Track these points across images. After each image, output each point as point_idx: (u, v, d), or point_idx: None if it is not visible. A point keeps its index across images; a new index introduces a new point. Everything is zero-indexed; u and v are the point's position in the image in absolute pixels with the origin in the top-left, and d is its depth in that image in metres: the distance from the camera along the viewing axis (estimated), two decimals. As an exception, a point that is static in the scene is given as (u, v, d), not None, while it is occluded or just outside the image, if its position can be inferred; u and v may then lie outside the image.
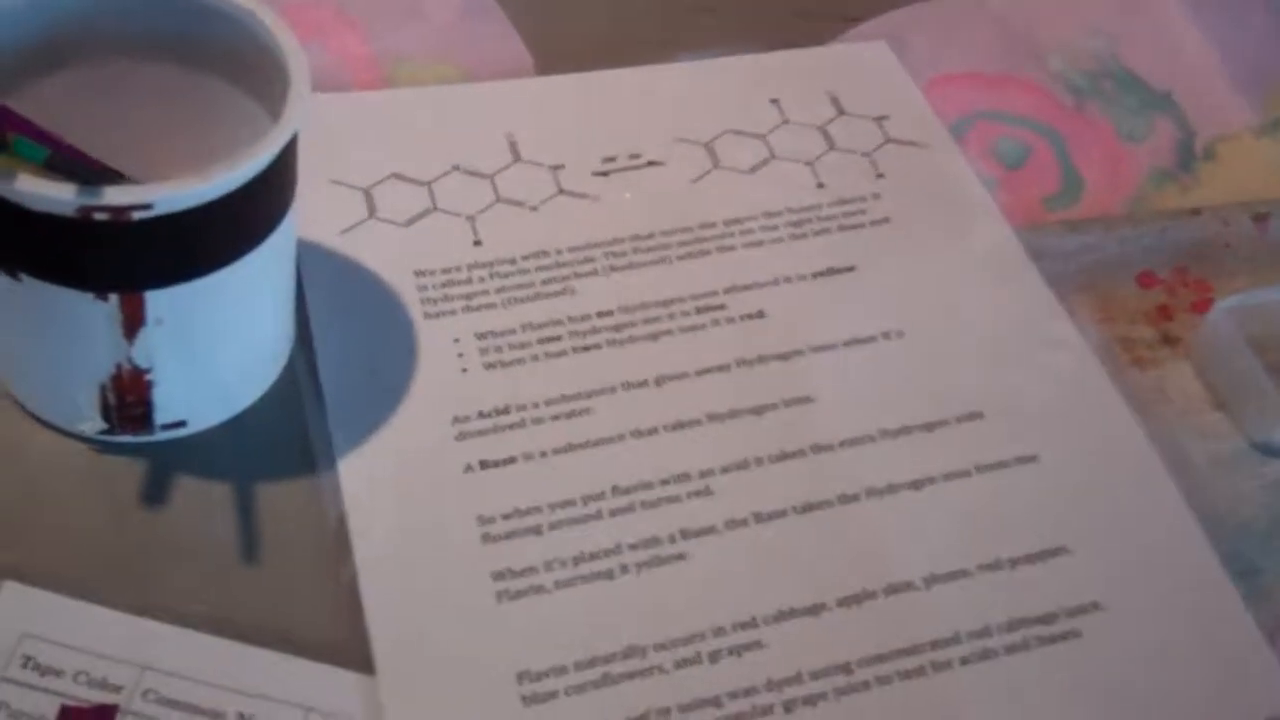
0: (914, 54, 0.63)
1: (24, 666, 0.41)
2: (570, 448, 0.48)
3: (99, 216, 0.39)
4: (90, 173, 0.39)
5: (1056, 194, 0.60)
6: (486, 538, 0.45)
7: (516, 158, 0.56)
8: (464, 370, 0.49)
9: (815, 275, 0.54)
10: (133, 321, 0.42)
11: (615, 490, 0.47)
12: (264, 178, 0.41)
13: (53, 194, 0.38)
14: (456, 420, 0.48)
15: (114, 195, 0.38)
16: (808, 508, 0.47)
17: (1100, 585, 0.46)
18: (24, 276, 0.41)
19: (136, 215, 0.39)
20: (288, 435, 0.47)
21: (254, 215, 0.42)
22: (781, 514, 0.47)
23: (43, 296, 0.41)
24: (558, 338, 0.50)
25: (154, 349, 0.43)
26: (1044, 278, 0.55)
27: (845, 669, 0.43)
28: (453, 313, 0.51)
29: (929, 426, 0.49)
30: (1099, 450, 0.50)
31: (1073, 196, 0.60)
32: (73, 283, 0.41)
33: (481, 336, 0.50)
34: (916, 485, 0.48)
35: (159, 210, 0.39)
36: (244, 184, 0.40)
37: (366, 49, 0.60)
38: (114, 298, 0.41)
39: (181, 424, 0.46)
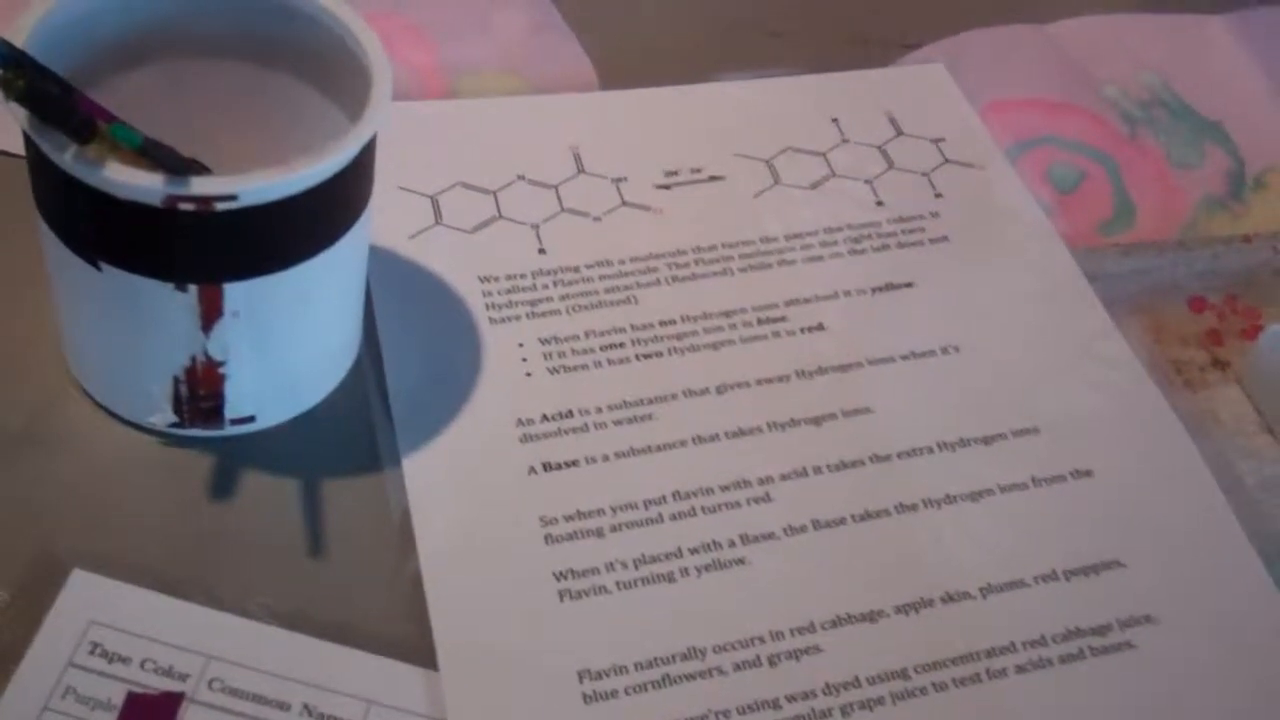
0: (970, 78, 0.64)
1: (91, 653, 0.41)
2: (632, 452, 0.48)
3: (184, 207, 0.39)
4: (178, 163, 0.40)
5: (1110, 219, 0.60)
6: (549, 538, 0.46)
7: (580, 169, 0.57)
8: (528, 374, 0.50)
9: (874, 290, 0.54)
10: (210, 313, 0.42)
11: (676, 495, 0.47)
12: (345, 175, 0.42)
13: (142, 183, 0.39)
14: (520, 423, 0.48)
15: (201, 186, 0.39)
16: (866, 516, 0.47)
17: (1153, 599, 0.46)
18: (105, 266, 0.42)
19: (221, 206, 0.40)
20: (354, 434, 0.48)
21: (333, 212, 0.43)
22: (840, 522, 0.47)
23: (123, 286, 0.42)
24: (620, 345, 0.51)
25: (229, 342, 0.44)
26: (1099, 299, 0.55)
27: (902, 675, 0.44)
28: (517, 318, 0.51)
29: (986, 440, 0.50)
30: (1152, 467, 0.50)
31: (1126, 222, 0.60)
32: (154, 273, 0.41)
33: (545, 341, 0.51)
34: (974, 497, 0.48)
35: (243, 202, 0.40)
36: (326, 180, 0.41)
37: (434, 60, 0.61)
38: (193, 289, 0.42)
39: (250, 419, 0.47)
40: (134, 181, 0.39)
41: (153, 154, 0.38)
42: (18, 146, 0.43)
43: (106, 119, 0.39)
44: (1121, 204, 0.61)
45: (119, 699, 0.41)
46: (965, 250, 0.56)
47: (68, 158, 0.39)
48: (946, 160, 0.59)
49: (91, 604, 0.42)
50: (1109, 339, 0.54)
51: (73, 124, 0.38)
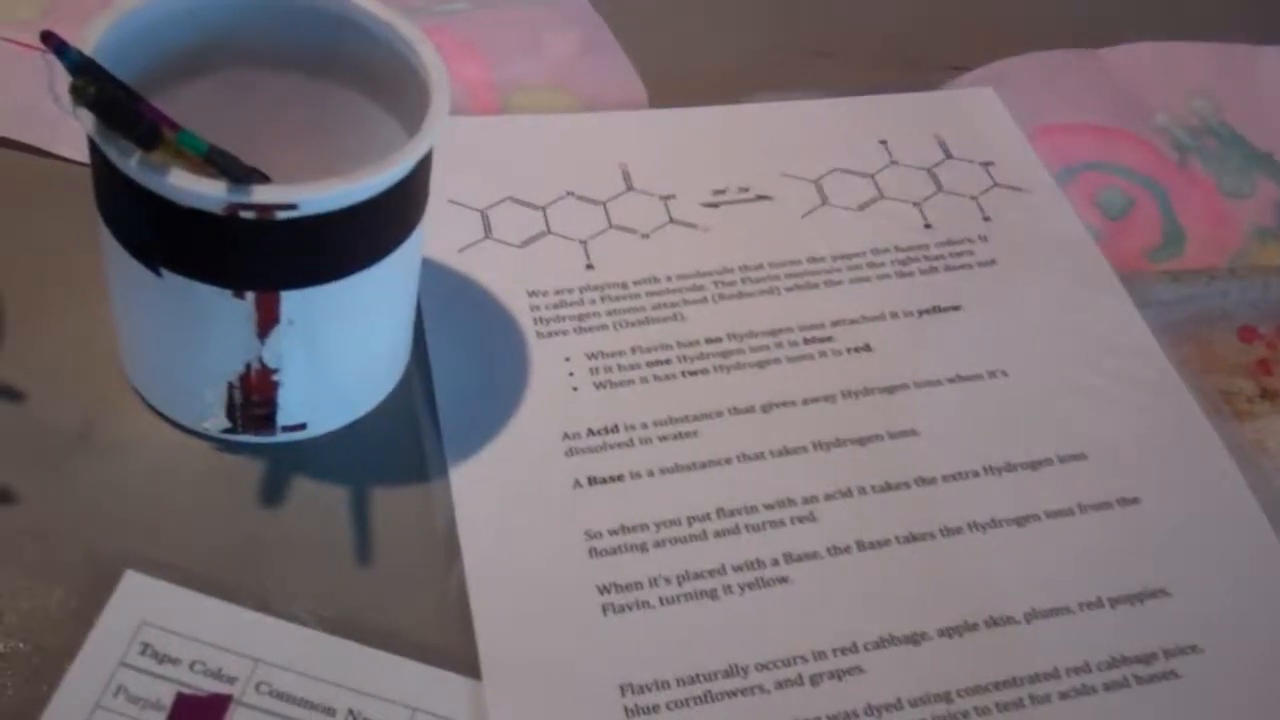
0: (1019, 102, 0.64)
1: (142, 653, 0.42)
2: (677, 468, 0.48)
3: (245, 215, 0.40)
4: (240, 171, 0.40)
5: (1158, 246, 0.60)
6: (593, 552, 0.46)
7: (629, 186, 0.57)
8: (574, 389, 0.50)
9: (921, 313, 0.54)
10: (266, 320, 0.43)
11: (720, 512, 0.47)
12: (403, 186, 0.42)
13: (205, 190, 0.39)
14: (566, 437, 0.49)
15: (262, 194, 0.40)
16: (911, 538, 0.47)
17: (1200, 628, 0.46)
18: (165, 272, 0.42)
19: (281, 215, 0.40)
20: (402, 444, 0.48)
21: (390, 223, 0.43)
22: (885, 543, 0.47)
23: (182, 292, 0.42)
24: (667, 361, 0.51)
25: (284, 349, 0.44)
26: (1148, 326, 0.55)
27: (945, 698, 0.44)
28: (564, 333, 0.52)
29: (1033, 465, 0.50)
30: (1200, 495, 0.50)
31: (1175, 249, 0.60)
32: (213, 279, 0.42)
33: (592, 356, 0.51)
34: (1020, 521, 0.48)
35: (303, 211, 0.40)
36: (385, 191, 0.42)
37: (486, 76, 0.61)
38: (251, 296, 0.42)
39: (302, 427, 0.47)
40: (197, 188, 0.40)
41: (217, 161, 0.39)
42: (80, 154, 0.43)
43: (171, 127, 0.39)
44: (1171, 231, 0.61)
45: (168, 699, 0.41)
46: (1013, 274, 0.56)
47: (133, 164, 0.40)
48: (995, 184, 0.60)
49: (143, 605, 0.43)
50: (1157, 366, 0.54)
51: (138, 131, 0.39)
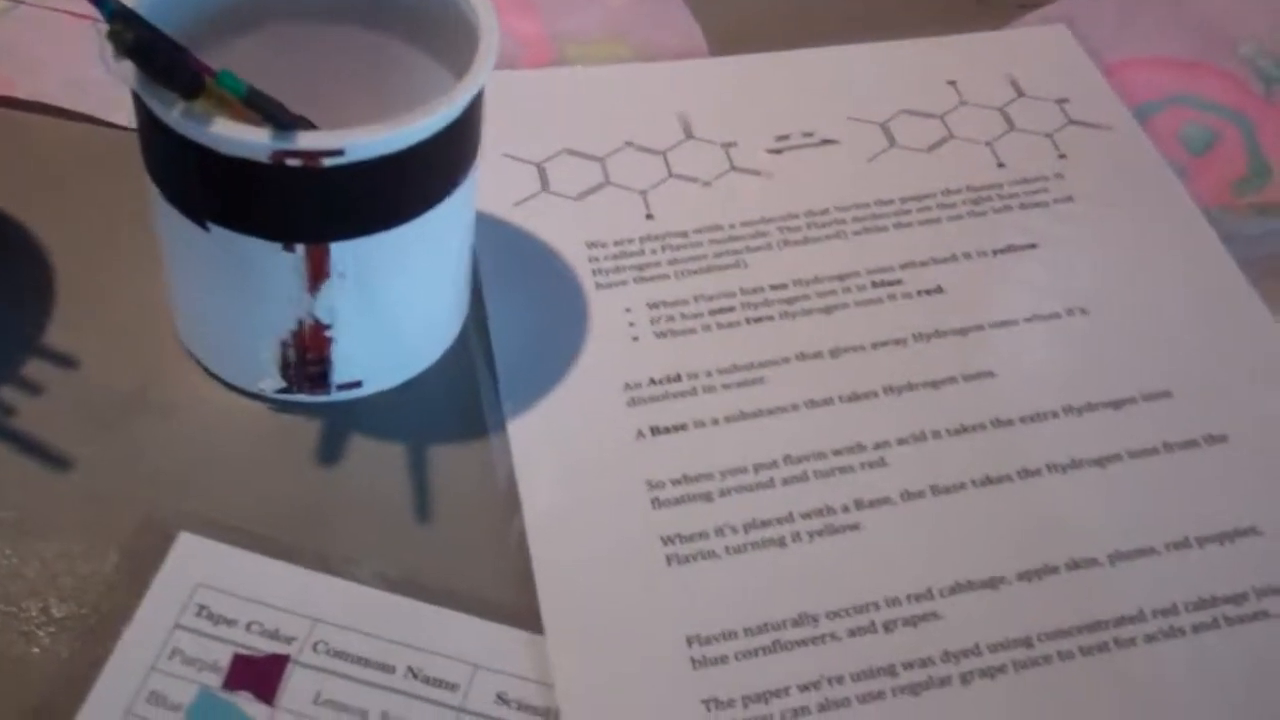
0: (1095, 37, 0.62)
1: (198, 615, 0.41)
2: (742, 416, 0.47)
3: (291, 163, 0.39)
4: (285, 117, 0.39)
5: (1243, 179, 0.57)
6: (656, 502, 0.45)
7: (689, 135, 0.56)
8: (635, 339, 0.49)
9: (996, 252, 0.52)
10: (317, 273, 0.42)
11: (788, 459, 0.46)
12: (451, 131, 0.41)
13: (248, 138, 0.39)
14: (628, 387, 0.47)
15: (307, 140, 0.39)
16: (987, 481, 0.46)
17: (1294, 567, 0.44)
18: (212, 226, 0.42)
19: (327, 162, 0.39)
20: (460, 401, 0.47)
21: (439, 170, 0.42)
22: (960, 487, 0.45)
23: (230, 246, 0.42)
24: (730, 309, 0.50)
25: (336, 304, 0.43)
26: (1234, 261, 0.53)
27: (1025, 643, 0.42)
28: (624, 283, 0.50)
29: (1115, 404, 0.48)
30: (1291, 432, 0.48)
31: (1260, 182, 0.57)
32: (260, 231, 0.41)
33: (653, 306, 0.50)
34: (1101, 462, 0.46)
35: (350, 157, 0.39)
36: (432, 135, 0.41)
37: (540, 29, 0.60)
38: (300, 248, 0.42)
39: (357, 384, 0.46)
40: (241, 136, 0.39)
41: (258, 104, 0.38)
42: (132, 121, 0.43)
43: (210, 72, 0.39)
44: (1256, 164, 0.58)
45: (225, 660, 0.40)
46: (1092, 211, 0.54)
47: (175, 114, 0.39)
48: (1071, 121, 0.57)
49: (199, 567, 0.42)
50: (1246, 301, 0.51)
51: (180, 78, 0.38)
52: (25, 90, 0.54)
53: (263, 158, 0.39)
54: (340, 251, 0.42)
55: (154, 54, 0.38)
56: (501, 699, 0.41)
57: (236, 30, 0.45)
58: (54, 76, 0.55)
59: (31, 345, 0.47)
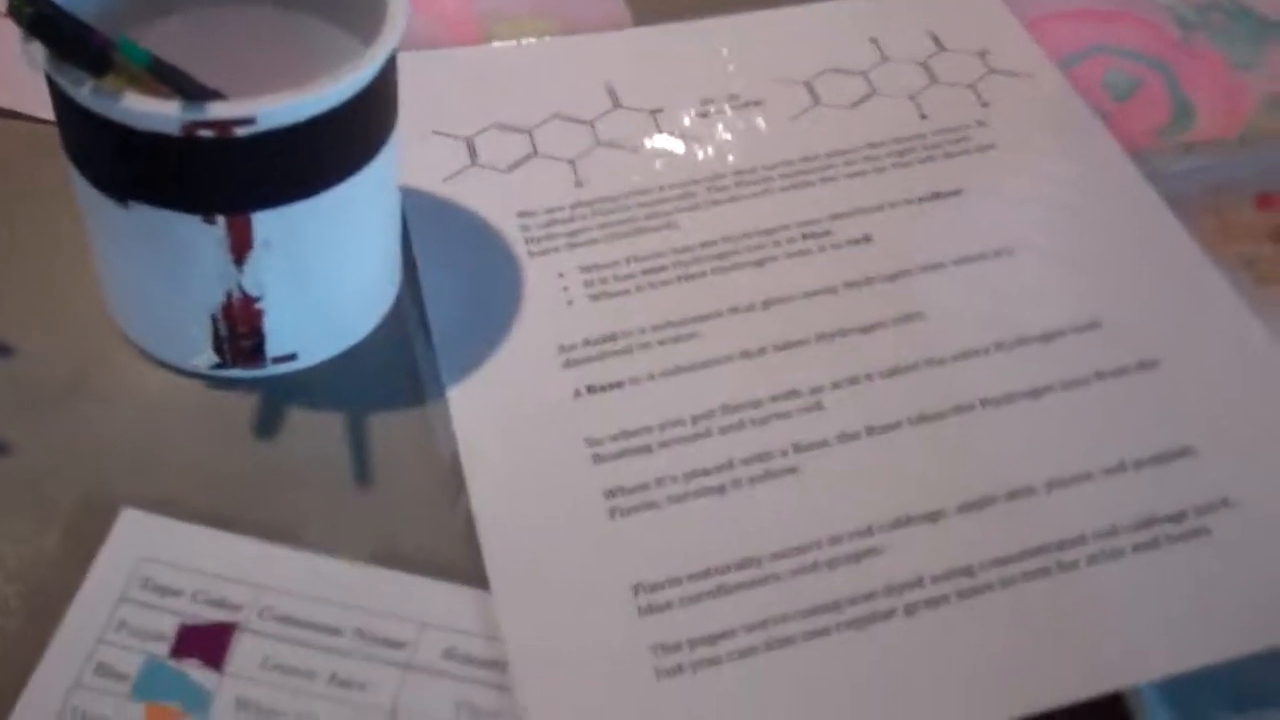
0: (1014, -5, 0.63)
1: (143, 587, 0.41)
2: (678, 370, 0.47)
3: (203, 134, 0.39)
4: (194, 89, 0.40)
5: (1167, 124, 0.58)
6: (597, 458, 0.45)
7: (616, 104, 0.56)
8: (569, 303, 0.49)
9: (921, 199, 0.53)
10: (240, 244, 0.42)
11: (725, 409, 0.46)
12: (364, 97, 0.41)
13: (158, 110, 0.39)
14: (563, 349, 0.48)
15: (217, 110, 0.39)
16: (922, 419, 0.46)
17: (1229, 483, 0.45)
18: (132, 203, 0.42)
19: (240, 131, 0.40)
20: (398, 370, 0.47)
21: (356, 136, 0.43)
22: (895, 426, 0.46)
23: (151, 222, 0.42)
24: (662, 268, 0.50)
25: (263, 275, 0.43)
26: (1161, 198, 0.54)
27: (967, 572, 0.42)
28: (556, 250, 0.51)
29: (1045, 337, 0.48)
30: (1221, 354, 0.49)
31: (1184, 126, 0.58)
32: (179, 205, 0.41)
33: (586, 270, 0.50)
34: (1035, 394, 0.47)
35: (262, 125, 0.40)
36: (344, 103, 0.41)
37: (467, 8, 0.60)
38: (221, 220, 0.42)
39: (292, 357, 0.46)
40: (151, 109, 0.39)
41: (164, 75, 0.38)
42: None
43: (113, 47, 0.39)
44: (1180, 107, 0.59)
45: (172, 630, 0.40)
46: (1014, 155, 0.55)
47: (85, 91, 0.39)
48: (991, 71, 0.58)
49: (142, 541, 0.42)
50: (1170, 233, 0.52)
51: (84, 53, 0.38)
52: (-52, 92, 0.54)
53: (174, 130, 0.39)
54: (262, 221, 0.42)
55: (55, 28, 0.38)
56: (449, 654, 0.41)
57: (153, 14, 0.45)
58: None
59: (-35, 338, 0.47)
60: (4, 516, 0.42)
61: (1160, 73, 0.60)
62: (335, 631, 0.41)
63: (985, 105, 0.57)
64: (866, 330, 0.49)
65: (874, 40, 0.59)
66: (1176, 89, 0.60)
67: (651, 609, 0.41)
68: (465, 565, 0.42)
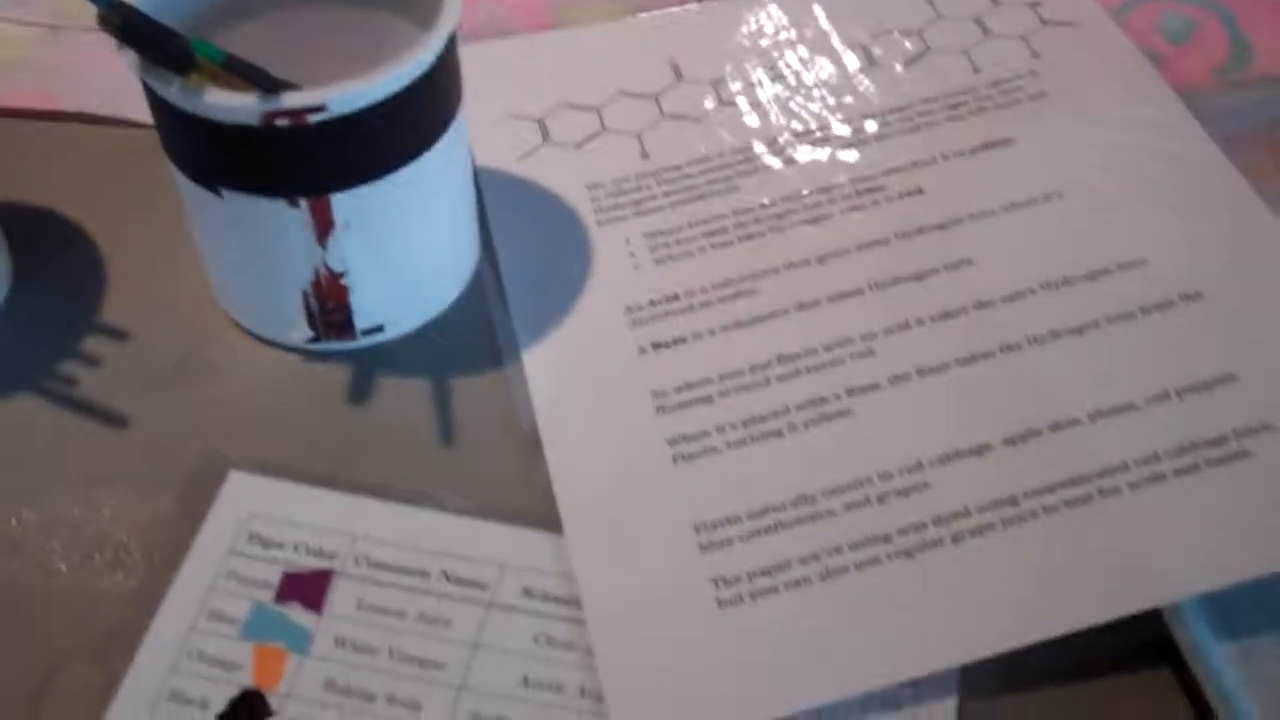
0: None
1: (250, 541, 0.46)
2: (737, 324, 0.50)
3: (280, 123, 0.43)
4: (269, 82, 0.43)
5: (1224, 63, 0.59)
6: (661, 409, 0.48)
7: (679, 78, 0.59)
8: (635, 267, 0.52)
9: (972, 150, 0.55)
10: (323, 225, 0.46)
11: (781, 359, 0.49)
12: (427, 79, 0.45)
13: (238, 104, 0.43)
14: (629, 310, 0.51)
15: (291, 100, 0.43)
16: (970, 359, 0.48)
17: (1270, 407, 0.46)
18: (225, 192, 0.46)
19: (313, 118, 0.43)
20: (478, 337, 0.51)
21: (422, 117, 0.46)
22: (945, 367, 0.48)
23: (242, 208, 0.46)
24: (723, 230, 0.53)
25: (346, 252, 0.47)
26: (1212, 136, 0.55)
27: (1012, 501, 0.44)
28: (624, 218, 0.54)
29: (1091, 276, 0.50)
30: (1265, 284, 0.50)
31: (1242, 64, 0.59)
32: (266, 191, 0.45)
33: (650, 235, 0.53)
34: (1079, 330, 0.49)
35: (333, 111, 0.43)
36: (409, 85, 0.44)
37: (536, -2, 0.64)
38: (303, 202, 0.46)
39: (379, 329, 0.50)
40: (232, 103, 0.43)
41: (239, 69, 0.42)
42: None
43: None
44: (1237, 46, 0.60)
45: (276, 578, 0.45)
46: (1065, 103, 0.56)
47: (174, 90, 0.43)
48: (1044, 22, 0.60)
49: (248, 500, 0.47)
50: (1221, 172, 0.53)
51: (169, 53, 0.42)
52: (69, 103, 0.59)
53: (254, 120, 0.43)
54: (341, 201, 0.46)
55: (141, 33, 0.42)
56: (528, 592, 0.44)
57: (237, 17, 0.49)
58: (93, 89, 0.60)
59: (88, 324, 0.52)
60: (127, 482, 0.47)
61: (1216, 13, 0.61)
62: (423, 574, 0.45)
63: (1037, 56, 0.58)
64: (918, 278, 0.51)
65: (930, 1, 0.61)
66: (1234, 27, 0.60)
67: (712, 545, 0.44)
68: (540, 512, 0.46)
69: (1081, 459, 0.45)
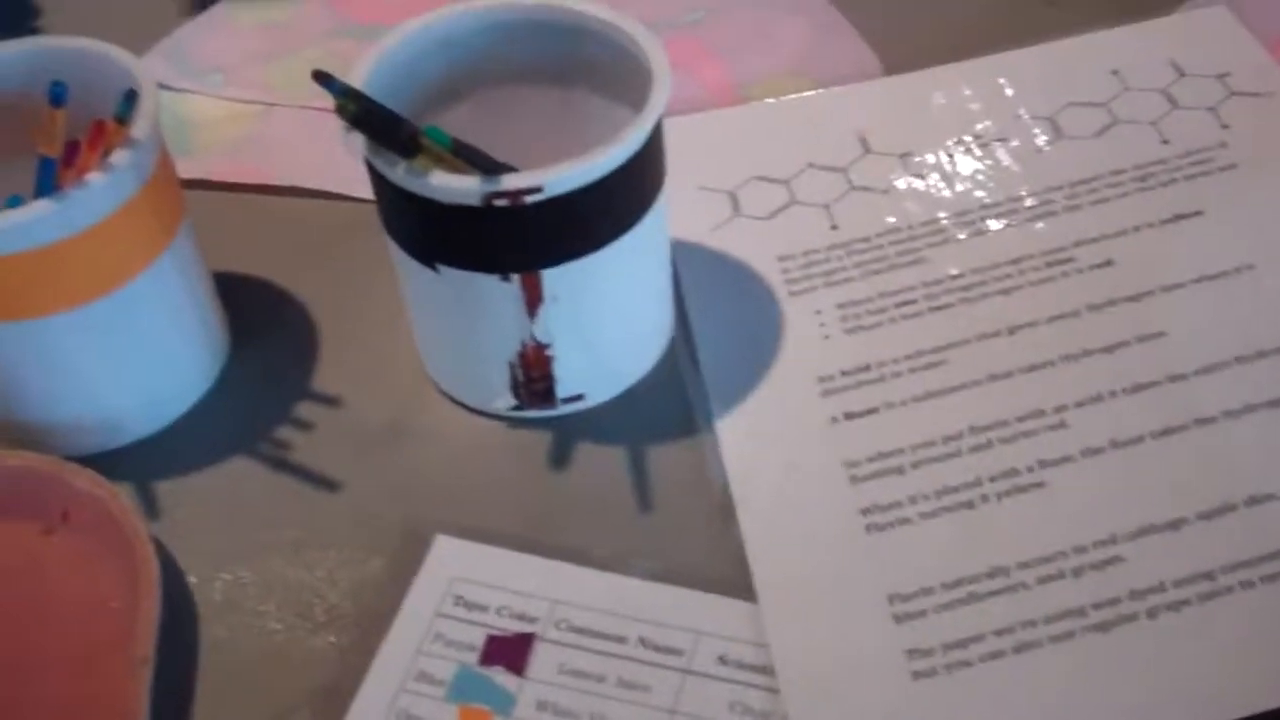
0: (1256, 15, 0.63)
1: (455, 604, 0.47)
2: (928, 395, 0.51)
3: (499, 203, 0.45)
4: (489, 164, 0.46)
5: None
6: (853, 479, 0.49)
7: (867, 150, 0.60)
8: (826, 337, 0.53)
9: (1163, 222, 0.55)
10: (533, 299, 0.48)
11: (973, 429, 0.50)
12: (636, 161, 0.47)
13: (461, 185, 0.45)
14: (821, 380, 0.52)
15: (510, 182, 0.45)
16: (1165, 432, 0.48)
17: None
18: (441, 267, 0.48)
19: (530, 199, 0.45)
20: (673, 406, 0.52)
21: (630, 196, 0.48)
22: (1138, 440, 0.48)
23: (458, 284, 0.48)
24: (913, 301, 0.54)
25: (552, 325, 0.49)
26: None
27: (1208, 576, 0.45)
28: (814, 289, 0.55)
29: (1285, 350, 0.50)
30: None
31: None
32: (481, 267, 0.48)
33: (841, 306, 0.54)
34: (1275, 403, 0.48)
35: (549, 193, 0.45)
36: (618, 167, 0.46)
37: (725, 76, 0.66)
38: (515, 278, 0.48)
39: (580, 398, 0.52)
40: (455, 185, 0.45)
41: (465, 154, 0.45)
42: (370, 192, 0.50)
43: (421, 134, 0.45)
44: None
45: (480, 641, 0.46)
46: (1256, 174, 0.56)
47: (399, 172, 0.46)
48: (1233, 93, 0.60)
49: (453, 563, 0.49)
50: None
51: (398, 140, 0.45)
52: (281, 177, 0.63)
53: (475, 201, 0.46)
54: (550, 278, 0.48)
55: (374, 121, 0.44)
56: (723, 660, 0.45)
57: (449, 100, 0.52)
58: (304, 163, 0.63)
59: (302, 390, 0.54)
60: (339, 545, 0.49)
61: None
62: (621, 640, 0.46)
63: (1226, 127, 0.58)
64: (1110, 350, 0.51)
65: (1115, 72, 0.62)
66: None
67: (906, 616, 0.45)
68: (735, 580, 0.47)
69: (1278, 534, 0.45)
